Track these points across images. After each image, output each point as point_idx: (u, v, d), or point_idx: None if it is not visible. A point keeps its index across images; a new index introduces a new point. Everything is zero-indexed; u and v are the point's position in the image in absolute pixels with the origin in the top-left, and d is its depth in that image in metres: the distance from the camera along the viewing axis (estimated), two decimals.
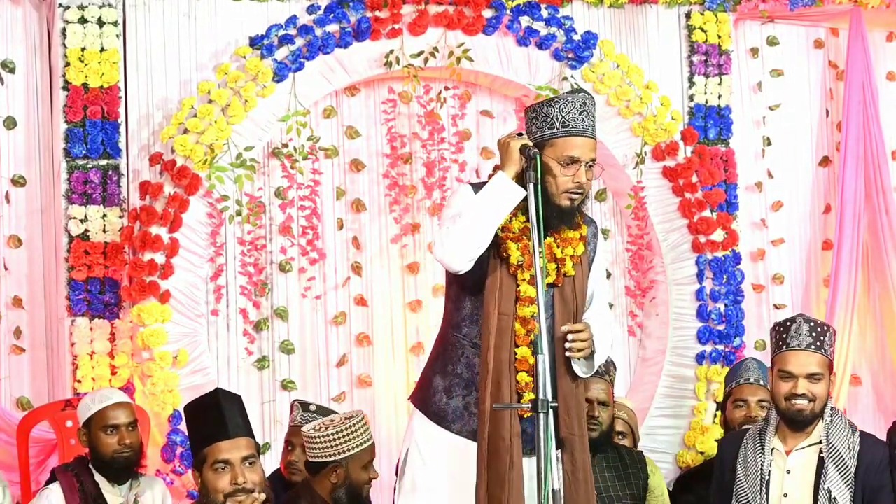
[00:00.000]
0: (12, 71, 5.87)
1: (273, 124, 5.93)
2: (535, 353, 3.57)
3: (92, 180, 5.69)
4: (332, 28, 5.94)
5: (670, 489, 5.17)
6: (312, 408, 5.07)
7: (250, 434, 3.71)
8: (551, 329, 3.75)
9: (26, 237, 5.85)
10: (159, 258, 5.64)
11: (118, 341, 5.66)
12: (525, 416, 3.76)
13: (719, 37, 6.57)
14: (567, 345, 3.74)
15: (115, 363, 5.63)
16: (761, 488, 4.19)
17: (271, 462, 5.63)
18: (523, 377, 3.78)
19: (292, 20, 5.93)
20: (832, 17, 6.89)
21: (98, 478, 4.60)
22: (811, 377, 4.16)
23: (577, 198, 3.82)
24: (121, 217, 5.73)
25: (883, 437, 4.39)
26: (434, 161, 6.23)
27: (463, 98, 6.35)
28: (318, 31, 5.92)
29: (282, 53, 5.87)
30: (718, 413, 5.73)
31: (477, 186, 3.85)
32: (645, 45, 6.53)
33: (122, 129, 5.77)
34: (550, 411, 3.40)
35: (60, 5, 5.72)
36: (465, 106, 6.35)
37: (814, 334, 4.17)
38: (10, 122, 5.86)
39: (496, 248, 3.80)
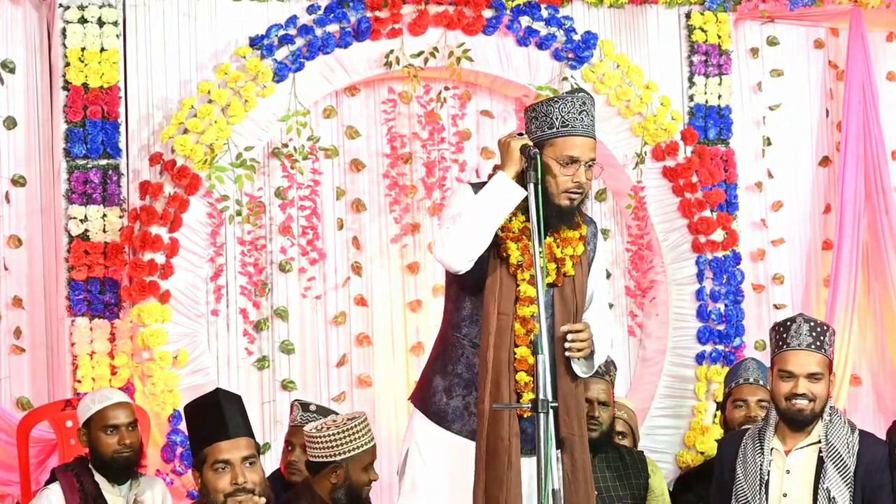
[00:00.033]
0: (12, 71, 5.87)
1: (273, 124, 5.93)
2: (534, 353, 3.58)
3: (92, 180, 5.69)
4: (332, 28, 5.94)
5: (670, 489, 5.17)
6: (312, 408, 5.07)
7: (250, 434, 3.71)
8: (551, 329, 3.75)
9: (26, 237, 5.85)
10: (159, 258, 5.64)
11: (118, 341, 5.66)
12: (525, 415, 3.76)
13: (719, 37, 6.57)
14: (567, 345, 3.75)
15: (115, 363, 5.63)
16: (761, 488, 4.19)
17: (271, 462, 5.63)
18: (522, 377, 3.78)
19: (292, 20, 5.93)
20: (832, 17, 6.89)
21: (98, 478, 4.60)
22: (811, 377, 4.16)
23: (577, 197, 3.82)
24: (121, 217, 5.73)
25: (883, 437, 4.39)
26: (434, 161, 6.23)
27: (463, 98, 6.35)
28: (318, 31, 5.92)
29: (282, 53, 5.87)
30: (718, 413, 5.73)
31: (477, 186, 3.86)
32: (645, 45, 6.53)
33: (122, 129, 5.77)
34: (551, 411, 3.40)
35: (60, 5, 5.72)
36: (465, 106, 6.35)
37: (814, 334, 4.17)
38: (10, 122, 5.86)
39: (496, 248, 3.80)
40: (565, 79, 6.24)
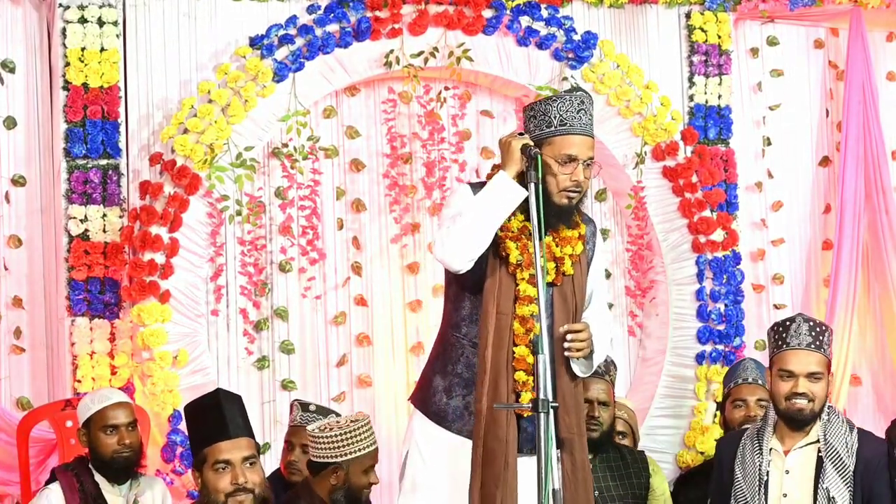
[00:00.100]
0: (12, 71, 5.87)
1: (273, 124, 5.93)
2: (534, 353, 3.58)
3: (92, 180, 5.69)
4: (332, 28, 5.94)
5: (671, 489, 5.17)
6: (312, 408, 5.07)
7: (251, 434, 3.71)
8: (550, 328, 3.74)
9: (26, 237, 5.85)
10: (159, 258, 5.64)
11: (118, 341, 5.66)
12: (525, 415, 3.76)
13: (719, 37, 6.57)
14: (566, 344, 3.74)
15: (115, 363, 5.63)
16: (760, 489, 4.19)
17: (271, 462, 5.63)
18: (521, 376, 3.78)
19: (292, 20, 5.93)
20: (832, 17, 6.89)
21: (98, 478, 4.60)
22: (811, 376, 4.16)
23: (575, 196, 3.82)
24: (121, 217, 5.73)
25: (882, 436, 4.39)
26: (434, 161, 6.23)
27: (463, 98, 6.35)
28: (318, 31, 5.92)
29: (282, 53, 5.87)
30: (718, 413, 5.74)
31: (476, 186, 3.86)
32: (645, 45, 6.53)
33: (122, 129, 5.77)
34: (551, 411, 3.40)
35: (60, 5, 5.72)
36: (465, 106, 6.35)
37: (813, 333, 4.17)
38: (10, 122, 5.86)
39: (495, 248, 3.80)
40: (565, 79, 6.24)
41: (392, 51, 6.04)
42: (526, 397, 3.76)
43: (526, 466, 3.75)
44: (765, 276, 6.83)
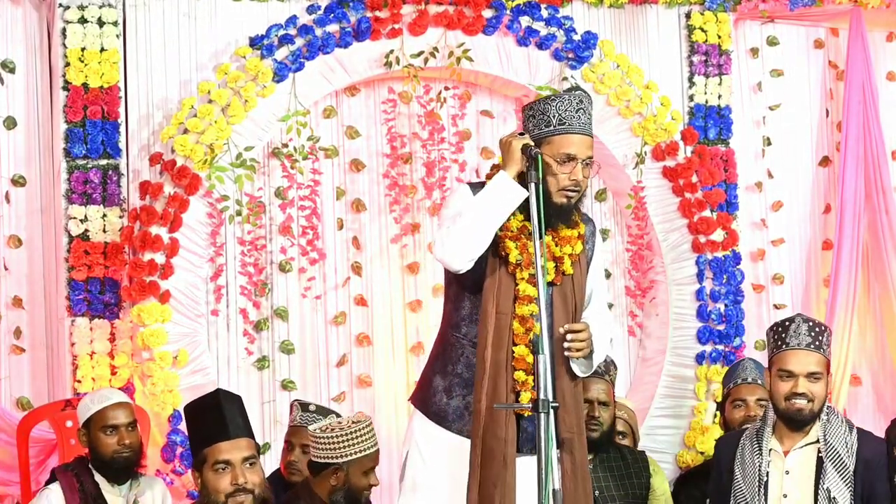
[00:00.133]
0: (12, 71, 5.87)
1: (273, 124, 5.93)
2: (534, 352, 3.57)
3: (92, 180, 5.69)
4: (332, 28, 5.94)
5: (671, 489, 5.17)
6: (312, 408, 5.07)
7: (250, 435, 3.71)
8: (550, 328, 3.74)
9: (26, 237, 5.85)
10: (159, 258, 5.64)
11: (118, 341, 5.66)
12: (526, 414, 3.76)
13: (719, 37, 6.57)
14: (566, 344, 3.74)
15: (115, 363, 5.63)
16: (760, 489, 4.19)
17: (271, 462, 5.63)
18: (521, 375, 3.78)
19: (292, 20, 5.93)
20: (832, 17, 6.89)
21: (98, 478, 4.60)
22: (811, 376, 4.16)
23: (574, 195, 3.82)
24: (121, 217, 5.74)
25: (882, 437, 4.39)
26: (434, 161, 6.23)
27: (463, 98, 6.36)
28: (318, 31, 5.92)
29: (282, 53, 5.87)
30: (718, 413, 5.74)
31: (475, 186, 3.86)
32: (645, 45, 6.53)
33: (122, 129, 5.77)
34: (551, 411, 3.39)
35: (60, 5, 5.72)
36: (465, 106, 6.35)
37: (812, 334, 4.17)
38: (10, 122, 5.86)
39: (494, 247, 3.80)
40: (565, 79, 6.24)
41: (392, 51, 6.04)
42: (525, 397, 3.76)
43: (526, 466, 3.75)
44: (765, 276, 6.83)
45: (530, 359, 3.75)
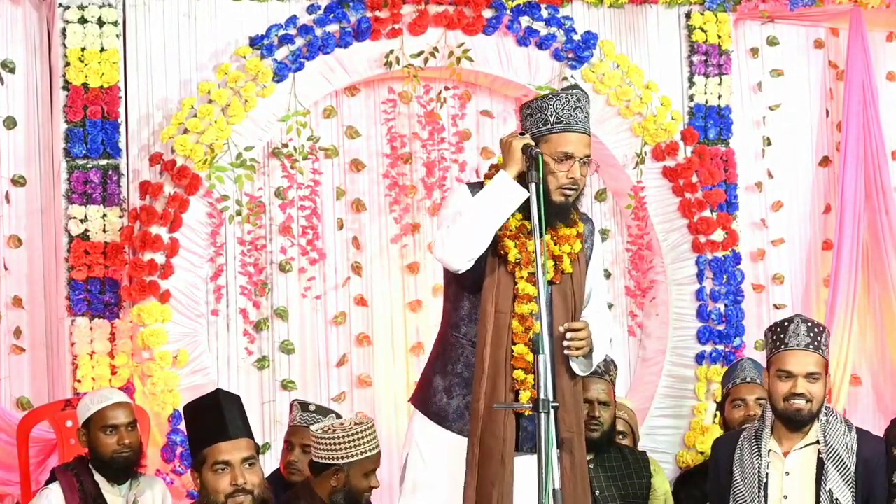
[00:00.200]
0: (12, 71, 5.87)
1: (273, 124, 5.93)
2: (534, 352, 3.57)
3: (92, 180, 5.69)
4: (332, 28, 5.94)
5: (671, 488, 5.17)
6: (312, 408, 5.07)
7: (250, 435, 3.71)
8: (549, 327, 3.74)
9: (26, 237, 5.85)
10: (159, 258, 5.64)
11: (118, 341, 5.66)
12: (526, 414, 3.76)
13: (719, 37, 6.57)
14: (566, 343, 3.74)
15: (115, 363, 5.63)
16: (760, 491, 4.18)
17: (271, 462, 5.63)
18: (520, 374, 3.78)
19: (292, 20, 5.93)
20: (832, 17, 6.89)
21: (98, 478, 4.60)
22: (810, 376, 4.16)
23: (572, 194, 3.82)
24: (121, 217, 5.74)
25: (880, 436, 4.40)
26: (434, 161, 6.23)
27: (463, 98, 6.36)
28: (318, 31, 5.92)
29: (282, 53, 5.87)
30: (718, 414, 5.74)
31: (473, 186, 3.87)
32: (645, 45, 6.53)
33: (122, 129, 5.77)
34: (552, 411, 3.40)
35: (60, 5, 5.72)
36: (465, 106, 6.35)
37: (811, 334, 4.17)
38: (10, 122, 5.86)
39: (494, 247, 3.80)
40: (565, 79, 6.23)
41: (392, 51, 6.04)
42: (525, 395, 3.76)
43: (526, 465, 3.75)
44: (765, 276, 6.83)
45: (530, 357, 3.75)
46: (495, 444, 3.74)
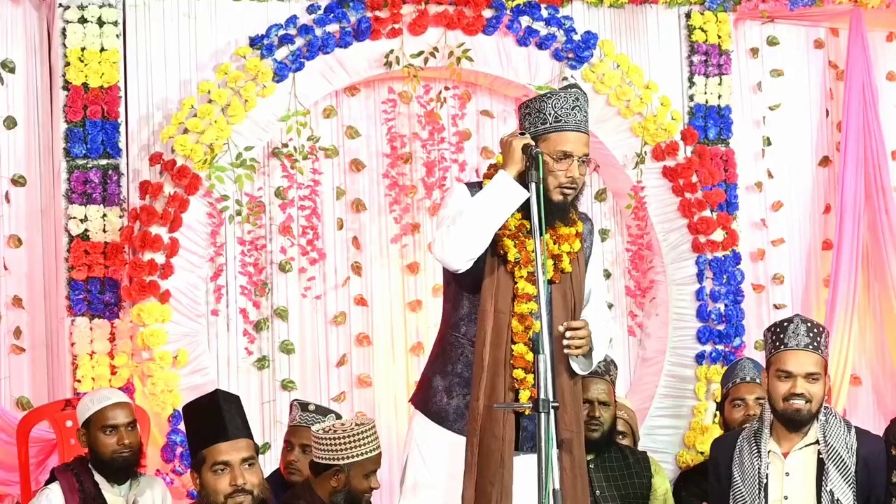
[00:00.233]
0: (12, 71, 5.87)
1: (273, 124, 5.94)
2: (533, 351, 3.57)
3: (92, 180, 5.69)
4: (332, 28, 5.94)
5: (672, 487, 5.17)
6: (311, 407, 5.06)
7: (249, 435, 3.71)
8: (549, 326, 3.74)
9: (26, 237, 5.85)
10: (159, 258, 5.64)
11: (118, 341, 5.66)
12: (526, 413, 3.76)
13: (719, 37, 6.57)
14: (565, 342, 3.74)
15: (115, 363, 5.63)
16: (760, 492, 4.18)
17: (271, 462, 5.63)
18: (519, 373, 3.77)
19: (292, 20, 5.93)
20: (832, 17, 6.89)
21: (98, 478, 4.60)
22: (809, 377, 4.15)
23: (570, 192, 3.82)
24: (121, 217, 5.74)
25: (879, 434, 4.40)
26: (434, 161, 6.23)
27: (463, 98, 6.36)
28: (318, 31, 5.92)
29: (282, 53, 5.87)
30: (717, 414, 5.74)
31: (472, 186, 3.86)
32: (645, 45, 6.53)
33: (122, 129, 5.78)
34: (552, 411, 3.40)
35: (60, 5, 5.73)
36: (465, 106, 6.35)
37: (811, 334, 4.17)
38: (10, 122, 5.86)
39: (493, 246, 3.79)
40: (565, 78, 6.23)
41: (392, 51, 6.04)
42: (524, 395, 3.76)
43: (526, 464, 3.75)
44: (765, 276, 6.83)
45: (529, 357, 3.75)
46: (495, 444, 3.73)
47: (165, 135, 5.74)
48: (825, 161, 7.02)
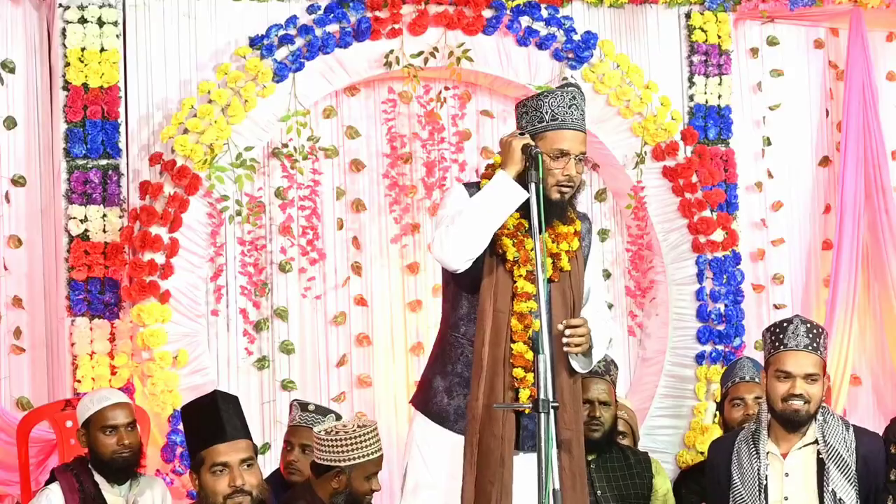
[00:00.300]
0: (12, 71, 5.87)
1: (273, 124, 5.94)
2: (533, 350, 3.57)
3: (92, 180, 5.69)
4: (332, 28, 5.94)
5: (672, 485, 5.17)
6: (311, 408, 5.06)
7: (248, 436, 3.71)
8: (549, 325, 3.74)
9: (26, 237, 5.85)
10: (159, 258, 5.64)
11: (118, 341, 5.66)
12: (526, 412, 3.76)
13: (719, 37, 6.57)
14: (565, 340, 3.74)
15: (115, 363, 5.63)
16: (760, 493, 4.17)
17: (271, 462, 5.64)
18: (519, 372, 3.77)
19: (292, 20, 5.93)
20: (832, 17, 6.89)
21: (98, 478, 4.60)
22: (808, 377, 4.15)
23: (568, 191, 3.82)
24: (121, 217, 5.74)
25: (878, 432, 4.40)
26: (434, 161, 6.23)
27: (463, 98, 6.36)
28: (318, 31, 5.92)
29: (282, 53, 5.87)
30: (717, 414, 5.74)
31: (470, 186, 3.87)
32: (645, 45, 6.53)
33: (122, 129, 5.78)
34: (552, 411, 3.39)
35: (60, 5, 5.73)
36: (465, 106, 6.35)
37: (810, 335, 4.17)
38: (10, 122, 5.86)
39: (491, 245, 3.80)
40: (565, 78, 6.23)
41: (392, 51, 6.04)
42: (524, 394, 3.76)
43: (526, 463, 3.75)
44: (765, 276, 6.83)
45: (529, 355, 3.75)
46: (495, 443, 3.74)
47: (165, 135, 5.74)
48: (825, 161, 7.02)
